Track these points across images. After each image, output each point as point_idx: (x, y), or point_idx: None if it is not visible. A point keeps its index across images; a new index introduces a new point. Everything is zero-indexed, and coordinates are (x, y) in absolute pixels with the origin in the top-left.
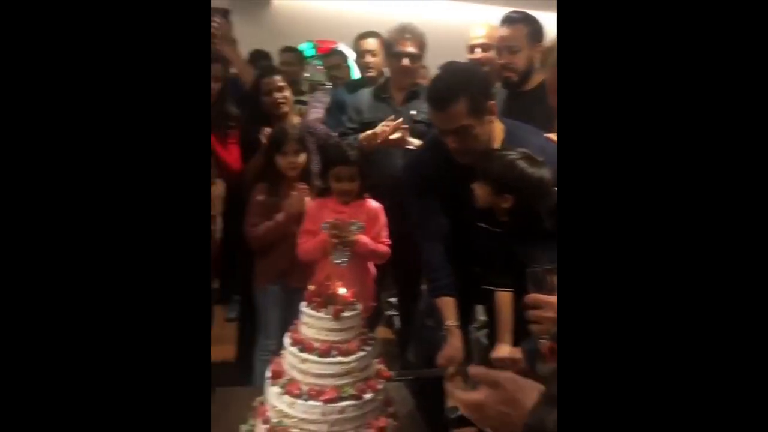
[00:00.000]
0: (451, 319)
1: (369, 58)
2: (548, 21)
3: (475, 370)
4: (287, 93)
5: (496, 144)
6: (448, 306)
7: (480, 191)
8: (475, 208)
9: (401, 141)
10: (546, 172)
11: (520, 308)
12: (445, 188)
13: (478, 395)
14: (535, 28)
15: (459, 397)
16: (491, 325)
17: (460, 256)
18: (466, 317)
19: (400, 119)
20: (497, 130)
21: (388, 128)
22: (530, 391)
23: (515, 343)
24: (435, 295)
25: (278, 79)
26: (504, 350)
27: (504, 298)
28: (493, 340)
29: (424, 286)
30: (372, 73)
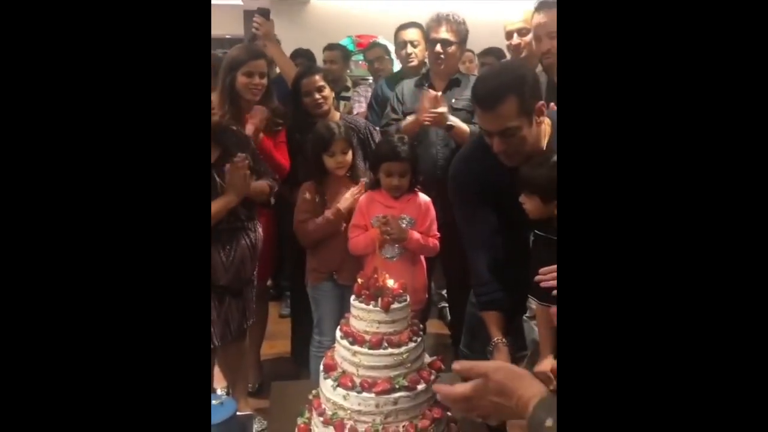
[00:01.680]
0: (497, 335)
1: (410, 49)
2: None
3: (458, 365)
4: (327, 92)
5: (544, 142)
6: (495, 321)
7: (529, 204)
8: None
9: (440, 118)
10: None
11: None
12: (493, 193)
13: (463, 389)
14: None
15: (442, 391)
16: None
17: (513, 264)
18: (519, 309)
19: (438, 93)
20: (545, 126)
21: (425, 106)
22: (529, 382)
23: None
24: (482, 309)
25: (318, 79)
26: (547, 364)
27: (546, 312)
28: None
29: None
30: (413, 63)
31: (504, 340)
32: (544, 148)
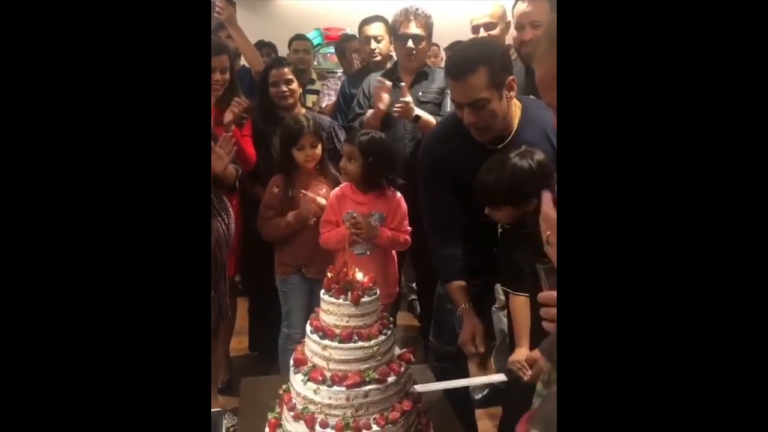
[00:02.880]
0: (463, 302)
1: (374, 44)
2: None
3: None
4: (294, 86)
5: (515, 122)
6: (458, 291)
7: (500, 214)
8: None
9: (407, 110)
10: (540, 156)
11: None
12: (458, 175)
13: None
14: (554, 4)
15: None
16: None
17: (480, 249)
18: (486, 299)
19: (388, 84)
20: (515, 108)
21: (382, 98)
22: None
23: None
24: (445, 281)
25: (287, 72)
26: (521, 353)
27: (520, 302)
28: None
29: None
30: (378, 59)
31: (468, 305)
32: (515, 129)
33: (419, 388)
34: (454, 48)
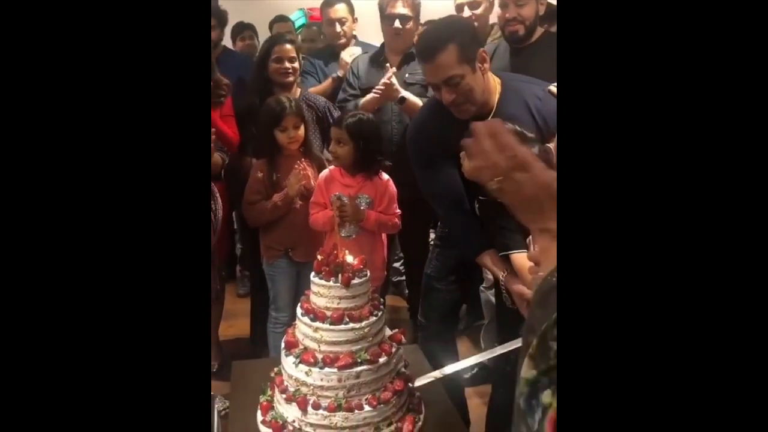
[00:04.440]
0: (501, 271)
1: (338, 27)
2: None
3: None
4: (297, 64)
5: (495, 97)
6: (491, 261)
7: (466, 163)
8: None
9: (390, 91)
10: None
11: None
12: (451, 149)
13: None
14: None
15: None
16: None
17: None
18: (475, 278)
19: (389, 74)
20: (493, 83)
21: (382, 89)
22: None
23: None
24: (473, 257)
25: (291, 48)
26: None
27: (521, 258)
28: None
29: (432, 249)
30: (342, 41)
31: (506, 273)
32: (496, 104)
33: (418, 383)
34: (422, 31)
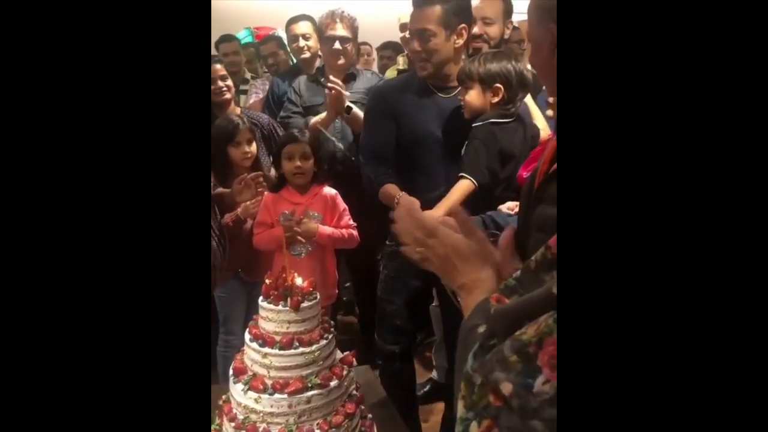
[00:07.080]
0: (397, 194)
1: (302, 42)
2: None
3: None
4: (229, 82)
5: (456, 72)
6: (391, 189)
7: (469, 96)
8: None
9: (340, 98)
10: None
11: None
12: (404, 113)
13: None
14: (507, 4)
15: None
16: None
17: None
18: (425, 298)
19: (341, 85)
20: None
21: (337, 87)
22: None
23: None
24: (379, 186)
25: (220, 68)
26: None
27: (463, 183)
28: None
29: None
30: (306, 56)
31: (401, 195)
32: (455, 80)
33: None
34: None
